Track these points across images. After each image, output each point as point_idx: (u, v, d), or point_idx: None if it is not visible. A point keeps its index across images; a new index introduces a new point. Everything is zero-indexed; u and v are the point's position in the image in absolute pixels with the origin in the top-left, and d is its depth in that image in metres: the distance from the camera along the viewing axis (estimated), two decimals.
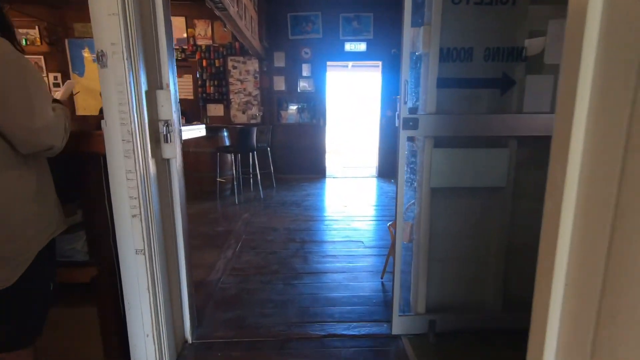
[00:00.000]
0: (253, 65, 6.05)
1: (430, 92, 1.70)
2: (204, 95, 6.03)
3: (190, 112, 6.10)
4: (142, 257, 1.40)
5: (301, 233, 3.36)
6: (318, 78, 6.12)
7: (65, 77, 5.97)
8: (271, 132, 6.17)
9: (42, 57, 5.86)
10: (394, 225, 1.87)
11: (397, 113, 1.78)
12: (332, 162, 7.97)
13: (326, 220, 3.79)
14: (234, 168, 4.98)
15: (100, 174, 1.41)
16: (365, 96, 10.50)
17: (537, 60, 1.72)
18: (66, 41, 5.88)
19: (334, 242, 3.15)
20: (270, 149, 5.82)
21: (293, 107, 6.21)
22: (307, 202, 4.53)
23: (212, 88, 6.01)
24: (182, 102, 6.08)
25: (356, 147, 10.62)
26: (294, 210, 4.16)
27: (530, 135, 1.70)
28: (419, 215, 1.80)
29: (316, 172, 6.41)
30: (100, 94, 1.50)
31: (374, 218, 3.89)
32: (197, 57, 5.93)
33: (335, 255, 2.84)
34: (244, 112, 6.19)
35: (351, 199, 4.73)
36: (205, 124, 5.48)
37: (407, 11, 1.57)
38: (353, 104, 11.04)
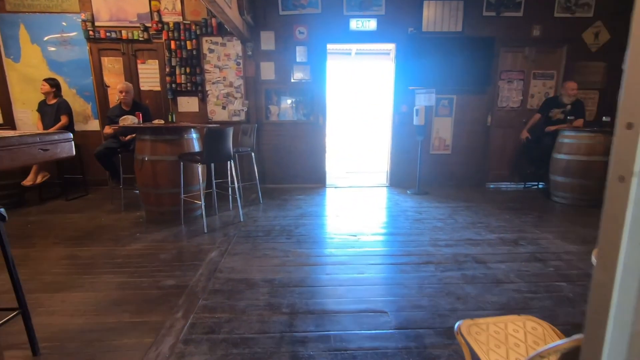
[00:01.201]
0: (234, 47, 4.83)
1: None
2: (174, 85, 4.82)
3: (156, 107, 4.88)
4: None
5: (291, 293, 2.18)
6: (316, 65, 4.92)
7: None
8: (257, 132, 4.97)
9: None
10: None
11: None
12: (333, 166, 6.79)
13: (329, 265, 2.61)
14: (204, 180, 3.79)
15: None
16: (372, 89, 9.28)
17: None
18: None
19: (340, 313, 1.97)
20: (255, 154, 4.63)
21: (285, 101, 5.01)
22: (302, 229, 3.35)
23: (183, 77, 4.79)
24: (146, 95, 4.86)
25: (362, 149, 9.41)
26: (283, 243, 2.97)
27: None
28: None
29: (314, 180, 5.22)
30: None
31: (398, 259, 2.71)
32: (163, 37, 4.71)
33: (345, 349, 1.66)
34: (224, 107, 4.97)
35: (361, 222, 3.55)
36: (170, 122, 4.28)
37: None
38: (357, 98, 9.80)
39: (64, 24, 4.67)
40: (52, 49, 4.73)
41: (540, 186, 5.15)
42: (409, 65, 4.91)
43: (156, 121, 4.01)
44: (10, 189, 4.09)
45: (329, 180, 5.33)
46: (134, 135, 4.01)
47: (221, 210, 3.96)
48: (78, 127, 4.85)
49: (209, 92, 4.92)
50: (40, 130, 4.42)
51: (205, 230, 3.27)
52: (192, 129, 3.69)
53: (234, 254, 2.76)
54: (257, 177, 4.34)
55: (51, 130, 4.33)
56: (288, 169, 5.20)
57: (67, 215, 3.83)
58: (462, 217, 3.74)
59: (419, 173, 4.82)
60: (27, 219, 3.68)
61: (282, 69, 4.92)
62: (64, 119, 4.39)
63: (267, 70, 4.91)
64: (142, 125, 3.52)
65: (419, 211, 3.94)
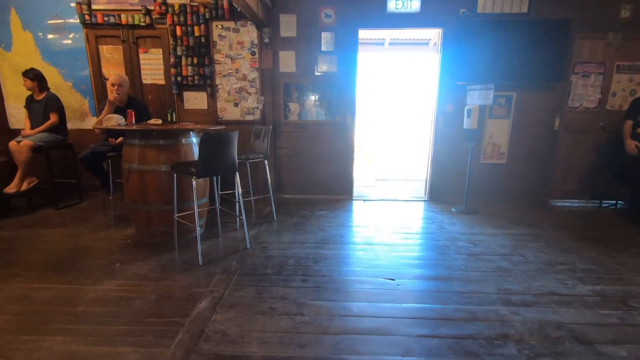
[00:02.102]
0: (249, 34, 4.11)
1: None
2: (179, 79, 4.16)
3: (160, 103, 4.25)
4: None
5: None
6: (345, 55, 4.12)
7: None
8: (274, 134, 4.24)
9: None
10: None
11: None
12: (361, 172, 5.98)
13: (359, 334, 1.84)
14: (204, 195, 3.10)
15: None
16: (408, 84, 8.35)
17: None
18: None
19: None
20: (271, 160, 3.92)
21: (308, 98, 4.25)
22: (323, 264, 2.59)
23: (189, 69, 4.12)
24: (149, 89, 4.23)
25: (394, 153, 8.51)
26: (297, 290, 2.23)
27: None
28: None
29: (339, 190, 4.45)
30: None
31: (459, 329, 1.91)
32: (167, 22, 4.05)
33: None
34: (236, 105, 4.27)
35: (399, 256, 2.75)
36: (169, 123, 3.62)
37: None
38: (390, 95, 8.89)
39: (58, 7, 4.10)
40: (46, 36, 4.17)
41: (618, 205, 4.14)
42: (458, 55, 4.01)
43: (152, 121, 3.36)
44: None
45: (356, 190, 4.53)
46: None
47: (226, 230, 3.27)
48: (74, 125, 4.30)
49: (219, 87, 4.23)
50: (27, 129, 3.88)
51: (201, 262, 2.57)
52: (192, 132, 3.00)
53: (230, 306, 2.04)
54: (270, 189, 3.62)
55: (39, 129, 3.77)
56: (309, 178, 4.45)
57: (48, 231, 3.25)
58: (532, 252, 2.86)
59: (467, 187, 3.94)
60: (9, 236, 3.13)
61: (305, 59, 4.15)
62: (53, 117, 3.82)
63: (287, 61, 4.16)
64: (125, 127, 2.86)
65: (472, 240, 3.09)
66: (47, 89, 3.90)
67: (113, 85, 3.43)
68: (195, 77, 4.14)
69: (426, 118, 4.70)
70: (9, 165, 3.75)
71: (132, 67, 4.21)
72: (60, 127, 3.92)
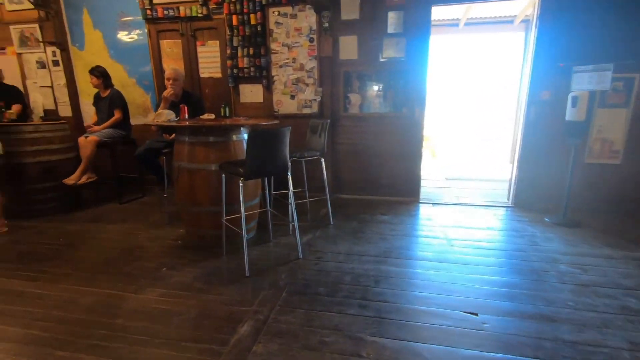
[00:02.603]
0: (307, 19, 3.76)
1: None
2: (235, 71, 3.98)
3: (216, 97, 4.12)
4: None
5: None
6: (414, 37, 3.59)
7: (65, 52, 4.45)
8: (333, 128, 3.88)
9: (37, 25, 4.41)
10: None
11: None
12: (429, 169, 5.37)
13: None
14: (254, 197, 2.85)
15: None
16: (487, 70, 7.42)
17: None
18: (61, 1, 4.31)
19: None
20: (329, 156, 3.58)
21: (370, 88, 3.80)
22: (385, 286, 2.17)
23: (245, 60, 3.92)
24: (206, 83, 4.13)
25: (466, 148, 7.67)
26: (354, 319, 1.85)
27: None
28: None
29: (404, 192, 3.95)
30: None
31: None
32: (224, 11, 3.87)
33: None
34: (292, 97, 3.98)
35: (482, 281, 2.23)
36: (222, 116, 3.44)
37: None
38: (465, 82, 8.00)
39: (124, 4, 4.15)
40: (113, 34, 4.27)
41: None
42: (561, 30, 3.24)
43: (205, 116, 3.20)
44: (64, 189, 3.73)
45: (423, 191, 3.99)
46: None
47: (278, 235, 3.00)
48: (138, 120, 4.38)
49: (275, 78, 3.97)
50: (93, 125, 4.00)
51: (247, 273, 2.32)
52: (242, 128, 2.76)
53: (275, 334, 1.73)
54: (327, 190, 3.27)
55: (104, 125, 3.86)
56: (370, 177, 4.01)
57: (107, 226, 3.28)
58: None
59: (567, 193, 3.19)
60: (66, 229, 3.22)
61: (368, 44, 3.70)
62: (117, 113, 3.89)
63: (348, 47, 3.74)
64: (170, 123, 2.70)
65: (578, 264, 2.43)
66: (112, 85, 3.98)
67: (168, 79, 3.33)
68: (251, 69, 3.93)
69: (509, 108, 3.97)
70: (79, 160, 3.89)
71: (190, 60, 4.14)
72: (123, 123, 3.98)
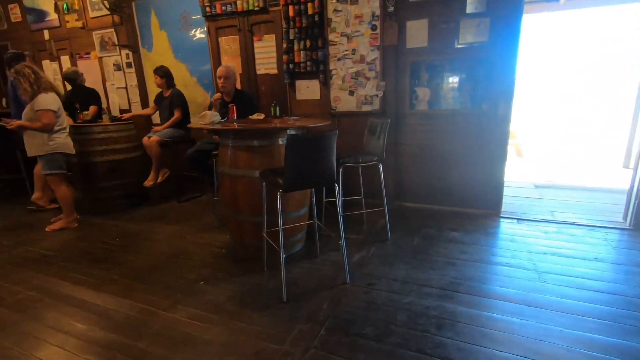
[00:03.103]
0: (369, 4, 3.33)
1: None
2: (291, 66, 3.72)
3: (272, 95, 3.93)
4: None
5: None
6: (501, 16, 2.93)
7: (136, 54, 4.65)
8: (395, 127, 3.42)
9: (112, 29, 4.66)
10: None
11: None
12: (511, 170, 4.55)
13: None
14: (297, 209, 2.55)
15: None
16: (597, 52, 6.17)
17: None
18: (133, 5, 4.49)
19: None
20: (387, 162, 3.14)
21: (443, 80, 3.24)
22: (452, 333, 1.71)
23: (302, 54, 3.63)
24: (262, 80, 3.95)
25: (561, 146, 6.49)
26: None
27: None
28: None
29: (481, 202, 3.33)
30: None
31: None
32: (280, 2, 3.62)
33: None
34: (351, 93, 3.59)
35: (591, 342, 1.64)
36: (273, 115, 3.21)
37: None
38: (555, 66, 6.78)
39: (187, 4, 4.16)
40: (176, 33, 4.32)
41: None
42: None
43: (255, 116, 2.99)
44: (132, 187, 3.88)
45: (506, 202, 3.31)
46: None
47: (328, 249, 2.67)
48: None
49: (333, 73, 3.62)
50: (155, 127, 4.08)
51: (285, 298, 2.03)
52: (289, 131, 2.46)
53: None
54: (385, 200, 2.84)
55: (165, 125, 3.92)
56: (438, 183, 3.46)
57: (162, 227, 3.29)
58: None
59: None
60: (124, 228, 3.30)
61: (441, 29, 3.13)
62: (176, 113, 3.91)
63: (417, 33, 3.22)
64: (214, 126, 2.51)
65: None
66: (173, 85, 4.01)
67: (219, 77, 3.20)
68: (308, 63, 3.63)
69: (624, 98, 3.07)
70: (143, 159, 4.01)
71: (247, 57, 3.99)
72: (183, 122, 4.00)
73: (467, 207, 3.37)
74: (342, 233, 2.22)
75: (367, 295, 2.05)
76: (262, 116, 2.96)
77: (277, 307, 1.97)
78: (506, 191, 3.32)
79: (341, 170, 2.63)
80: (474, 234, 2.89)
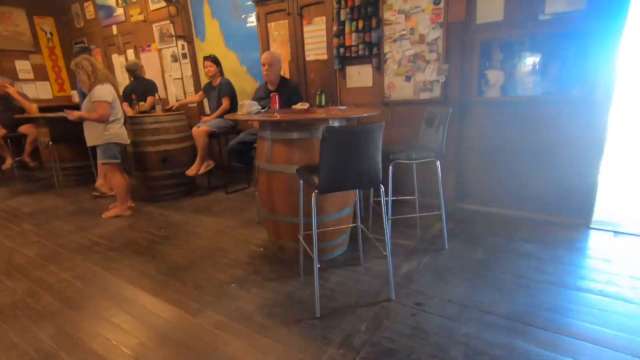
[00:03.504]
0: None
1: None
2: (342, 50, 3.41)
3: (321, 83, 3.68)
4: None
5: None
6: None
7: (190, 45, 4.68)
8: (459, 117, 2.96)
9: (169, 21, 4.74)
10: None
11: None
12: (608, 176, 3.75)
13: None
14: (333, 210, 2.27)
15: None
16: None
17: None
18: None
19: None
20: (447, 159, 2.73)
21: (521, 61, 2.70)
22: None
23: (354, 36, 3.30)
24: (312, 67, 3.71)
25: None
26: None
27: None
28: None
29: (566, 208, 2.75)
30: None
31: None
32: None
33: None
34: (408, 79, 3.19)
35: None
36: (318, 105, 2.95)
37: None
38: None
39: None
40: (227, 21, 4.24)
41: None
42: None
43: (298, 105, 2.76)
44: (182, 177, 3.92)
45: (600, 209, 2.69)
46: None
47: (373, 256, 2.38)
48: None
49: (387, 57, 3.24)
50: (204, 117, 4.05)
51: (318, 313, 1.79)
52: (330, 122, 2.19)
53: None
54: (442, 203, 2.44)
55: (214, 115, 3.87)
56: (511, 184, 2.94)
57: (206, 219, 3.24)
58: None
59: None
60: (171, 218, 3.32)
61: None
62: (224, 102, 3.84)
63: (489, 6, 2.70)
64: (252, 116, 2.31)
65: None
66: (223, 74, 3.95)
67: (263, 65, 3.01)
68: (360, 47, 3.29)
69: None
70: (194, 149, 4.03)
71: (297, 43, 3.76)
72: (232, 112, 3.92)
73: (546, 213, 2.82)
74: (387, 241, 1.91)
75: (414, 319, 1.73)
76: (306, 106, 2.72)
77: (308, 324, 1.74)
78: (600, 196, 2.70)
79: (391, 167, 2.30)
80: (555, 248, 2.37)
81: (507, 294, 1.89)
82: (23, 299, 2.09)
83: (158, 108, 3.95)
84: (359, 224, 2.24)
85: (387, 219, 1.95)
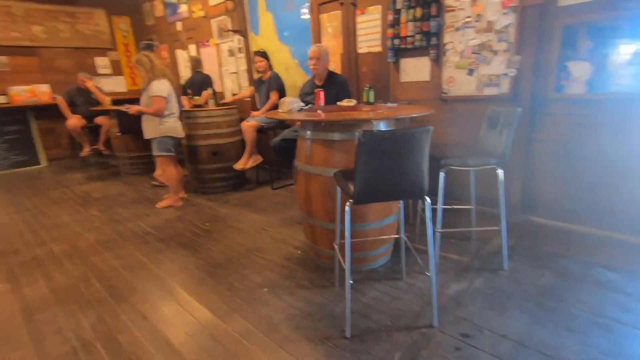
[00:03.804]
0: None
1: None
2: (396, 42, 3.15)
3: (373, 77, 3.47)
4: None
5: None
6: None
7: (245, 39, 4.72)
8: (531, 118, 2.57)
9: (227, 16, 4.81)
10: None
11: None
12: None
13: None
14: (373, 218, 2.07)
15: None
16: None
17: None
18: None
19: None
20: (511, 165, 2.39)
21: (614, 50, 2.23)
22: None
23: (410, 25, 3.02)
24: (364, 60, 3.51)
25: None
26: None
27: None
28: None
29: None
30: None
31: None
32: None
33: None
34: (471, 72, 2.84)
35: None
36: (365, 102, 2.76)
37: None
38: None
39: None
40: (281, 14, 4.17)
41: None
42: None
43: (344, 102, 2.59)
44: (232, 171, 3.99)
45: None
46: None
47: (415, 271, 2.15)
48: None
49: (447, 47, 2.91)
50: (253, 111, 4.05)
51: (348, 334, 1.64)
52: (376, 123, 1.99)
53: None
54: (503, 212, 2.11)
55: (262, 110, 3.85)
56: (591, 197, 2.48)
57: (249, 215, 3.25)
58: None
59: None
60: (217, 212, 3.38)
61: None
62: (273, 96, 3.80)
63: None
64: (291, 115, 2.19)
65: None
66: (272, 68, 3.90)
67: (310, 58, 2.88)
68: (416, 37, 3.00)
69: None
70: (244, 144, 4.07)
71: (349, 34, 3.57)
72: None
73: (636, 235, 2.33)
74: (431, 259, 1.68)
75: (459, 354, 1.50)
76: (352, 103, 2.54)
77: (336, 344, 1.60)
78: None
79: (442, 173, 2.04)
80: None
81: (580, 336, 1.56)
82: (76, 284, 2.24)
83: (211, 102, 4.03)
84: (403, 235, 2.03)
85: (433, 234, 1.72)
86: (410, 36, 3.04)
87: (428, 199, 1.59)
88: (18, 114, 5.81)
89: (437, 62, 2.99)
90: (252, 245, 2.64)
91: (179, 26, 5.81)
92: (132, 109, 3.40)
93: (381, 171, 1.45)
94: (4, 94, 5.60)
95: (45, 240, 2.94)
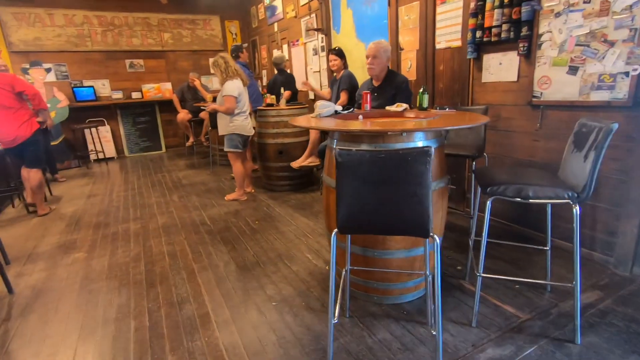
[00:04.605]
0: None
1: None
2: (478, 34, 2.62)
3: (451, 76, 3.02)
4: None
5: None
6: None
7: (327, 37, 4.65)
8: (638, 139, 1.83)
9: (313, 15, 4.81)
10: None
11: None
12: None
13: None
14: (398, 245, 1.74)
15: None
16: None
17: None
18: None
19: None
20: (620, 202, 1.75)
21: None
22: None
23: (496, 13, 2.47)
24: (441, 56, 3.08)
25: None
26: None
27: None
28: None
29: None
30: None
31: None
32: None
33: None
34: (573, 70, 2.16)
35: None
36: (418, 107, 2.39)
37: None
38: None
39: None
40: (360, 10, 3.94)
41: None
42: None
43: (394, 107, 2.26)
44: (296, 170, 3.99)
45: None
46: None
47: (448, 317, 1.75)
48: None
49: (543, 39, 2.27)
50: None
51: None
52: (417, 135, 1.66)
53: None
54: (578, 269, 1.54)
55: None
56: None
57: (297, 220, 3.18)
58: None
59: None
60: (272, 211, 3.41)
61: None
62: (342, 96, 3.61)
63: None
64: (319, 124, 1.98)
65: None
66: (346, 67, 3.72)
67: (367, 57, 2.61)
68: (503, 27, 2.43)
69: None
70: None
71: (427, 28, 3.13)
72: (349, 106, 3.66)
73: None
74: (437, 317, 1.31)
75: None
76: (402, 107, 2.20)
77: None
78: None
79: (489, 203, 1.59)
80: None
81: None
82: (127, 263, 2.52)
83: (282, 102, 4.08)
84: (428, 272, 1.66)
85: (440, 283, 1.34)
86: (495, 26, 2.49)
87: (437, 239, 1.24)
88: (148, 107, 6.99)
89: (528, 57, 2.38)
90: (284, 252, 2.56)
91: (275, 27, 6.09)
92: (209, 107, 3.68)
93: (366, 199, 1.18)
94: (139, 90, 6.78)
95: (130, 218, 3.42)
